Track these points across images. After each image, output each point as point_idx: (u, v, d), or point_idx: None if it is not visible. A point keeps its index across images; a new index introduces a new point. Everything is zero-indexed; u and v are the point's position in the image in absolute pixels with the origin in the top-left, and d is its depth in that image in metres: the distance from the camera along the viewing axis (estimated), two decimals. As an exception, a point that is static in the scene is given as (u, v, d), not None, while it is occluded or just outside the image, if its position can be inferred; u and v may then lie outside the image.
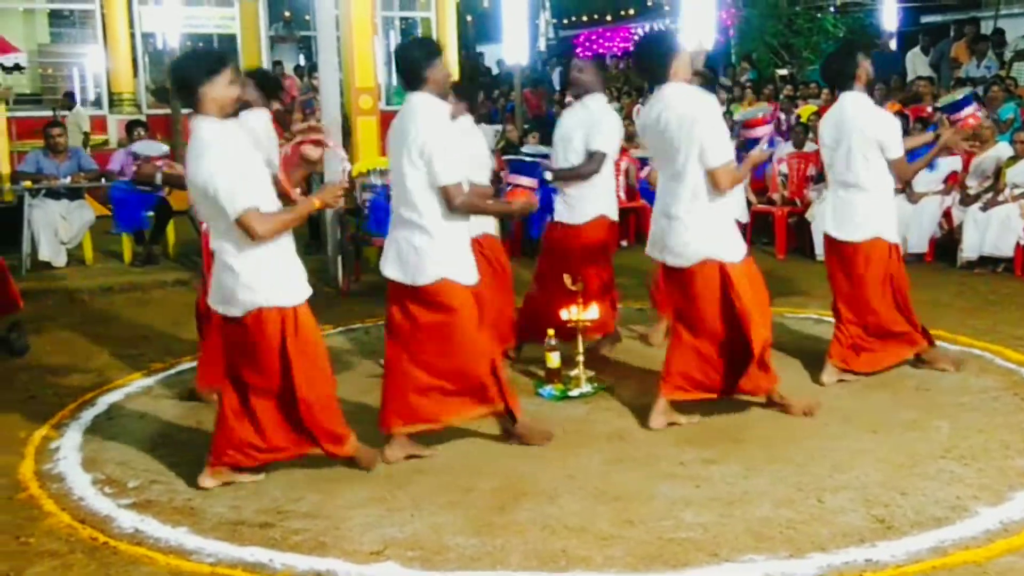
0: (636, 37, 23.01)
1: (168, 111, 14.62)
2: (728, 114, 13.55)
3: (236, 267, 4.07)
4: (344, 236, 8.79)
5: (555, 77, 21.03)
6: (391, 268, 4.51)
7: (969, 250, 8.57)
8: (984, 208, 8.55)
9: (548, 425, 4.96)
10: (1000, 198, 8.53)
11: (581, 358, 5.56)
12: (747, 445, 4.68)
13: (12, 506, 4.26)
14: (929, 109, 11.57)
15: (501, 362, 4.76)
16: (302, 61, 19.25)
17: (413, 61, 4.41)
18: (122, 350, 6.74)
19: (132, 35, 15.20)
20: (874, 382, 5.48)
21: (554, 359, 5.58)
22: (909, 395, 5.36)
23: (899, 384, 5.53)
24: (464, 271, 4.49)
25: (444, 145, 4.31)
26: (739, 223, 6.84)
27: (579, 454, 4.65)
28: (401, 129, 4.42)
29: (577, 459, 4.59)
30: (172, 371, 6.25)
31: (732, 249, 4.78)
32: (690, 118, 4.59)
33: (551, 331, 5.64)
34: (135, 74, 15.40)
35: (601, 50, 24.18)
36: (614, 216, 6.02)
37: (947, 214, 8.95)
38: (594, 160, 5.70)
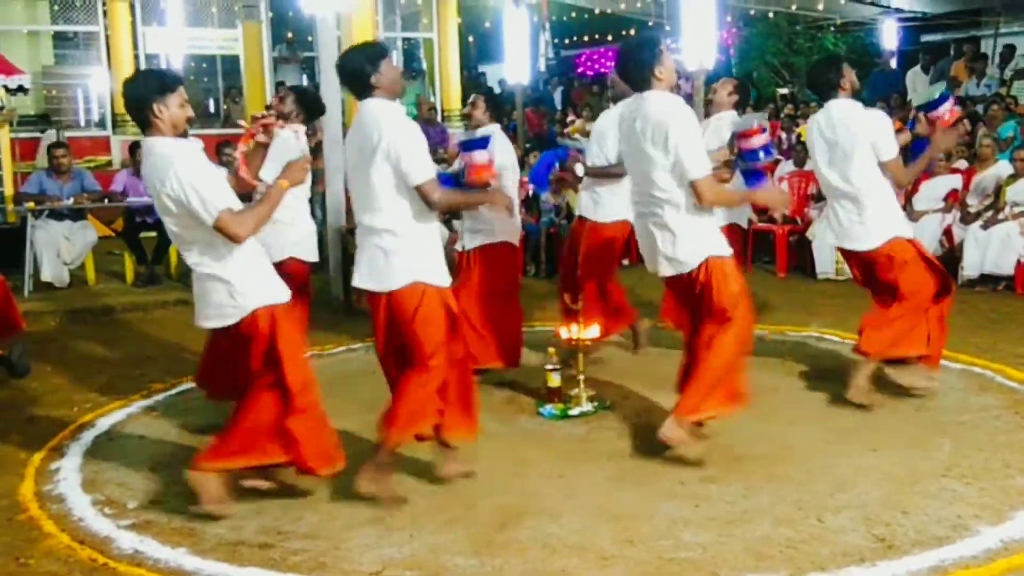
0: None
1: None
2: (729, 133, 13.61)
3: (224, 276, 4.07)
4: (346, 255, 8.80)
5: (556, 97, 21.10)
6: (363, 279, 4.38)
7: (970, 268, 8.58)
8: (985, 226, 8.56)
9: (547, 445, 4.96)
10: (1000, 216, 8.54)
11: (582, 377, 5.56)
12: (747, 464, 4.67)
13: (12, 527, 4.26)
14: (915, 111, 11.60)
15: (467, 380, 4.55)
16: (305, 82, 19.32)
17: (357, 68, 4.26)
18: (124, 371, 6.75)
19: (136, 57, 15.28)
20: (875, 400, 5.47)
21: (555, 378, 5.58)
22: (910, 413, 5.35)
23: (900, 402, 5.52)
24: (436, 273, 4.36)
25: (411, 145, 4.19)
26: (740, 230, 6.88)
27: (580, 473, 4.64)
28: (361, 137, 4.27)
29: (578, 478, 4.58)
30: (173, 391, 6.26)
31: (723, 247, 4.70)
32: (664, 128, 4.47)
33: (552, 351, 5.65)
34: (139, 95, 15.48)
35: (603, 70, 24.26)
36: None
37: (948, 232, 8.96)
38: None
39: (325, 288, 8.77)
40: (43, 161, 12.46)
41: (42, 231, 9.44)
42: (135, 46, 15.22)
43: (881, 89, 14.68)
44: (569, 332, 5.59)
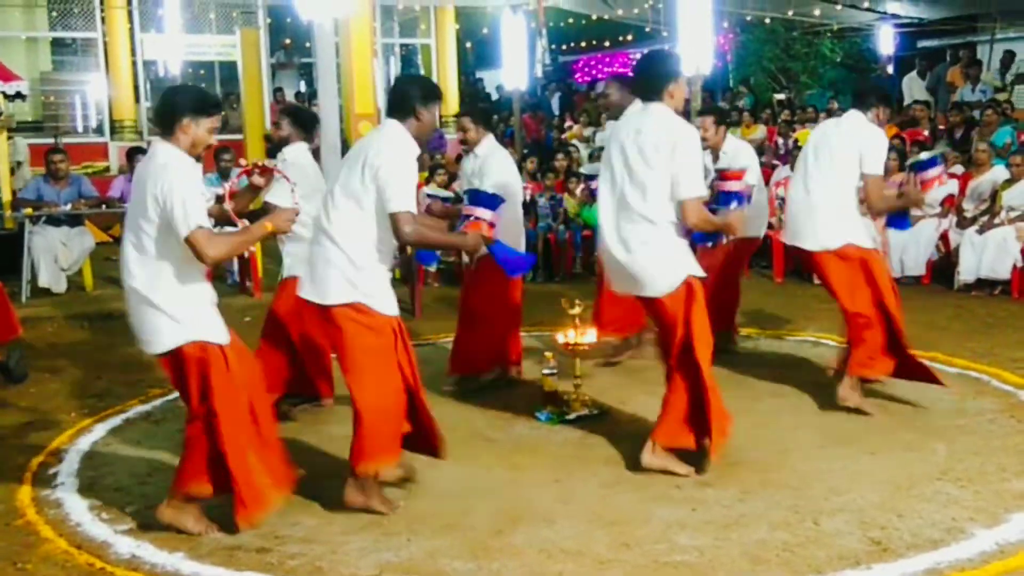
0: (634, 62, 23.18)
1: (169, 138, 14.75)
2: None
3: (160, 303, 4.00)
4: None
5: (554, 102, 21.14)
6: (307, 288, 4.32)
7: (966, 273, 8.60)
8: (981, 231, 8.58)
9: (543, 450, 4.98)
10: (996, 221, 8.56)
11: (579, 382, 5.57)
12: (742, 468, 4.68)
13: (9, 532, 4.26)
14: (925, 133, 11.65)
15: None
16: (303, 88, 19.37)
17: (408, 95, 4.31)
18: (121, 376, 6.75)
19: (134, 63, 15.33)
20: (871, 404, 5.48)
21: (551, 383, 5.60)
22: (906, 417, 5.36)
23: (896, 406, 5.53)
24: (381, 300, 4.26)
25: (402, 174, 4.16)
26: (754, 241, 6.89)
27: (576, 477, 4.65)
28: (363, 148, 4.27)
29: (573, 482, 4.59)
30: (170, 397, 6.25)
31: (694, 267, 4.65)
32: (670, 144, 4.42)
33: (549, 355, 5.67)
34: (136, 101, 15.51)
35: (600, 76, 24.31)
36: None
37: (944, 237, 8.99)
38: None
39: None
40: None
41: (39, 237, 9.46)
42: (133, 52, 15.27)
43: (878, 94, 14.72)
44: (566, 337, 5.60)
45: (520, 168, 12.27)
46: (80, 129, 15.75)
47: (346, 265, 4.17)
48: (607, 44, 21.33)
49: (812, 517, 4.11)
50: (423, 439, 4.50)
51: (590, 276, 9.01)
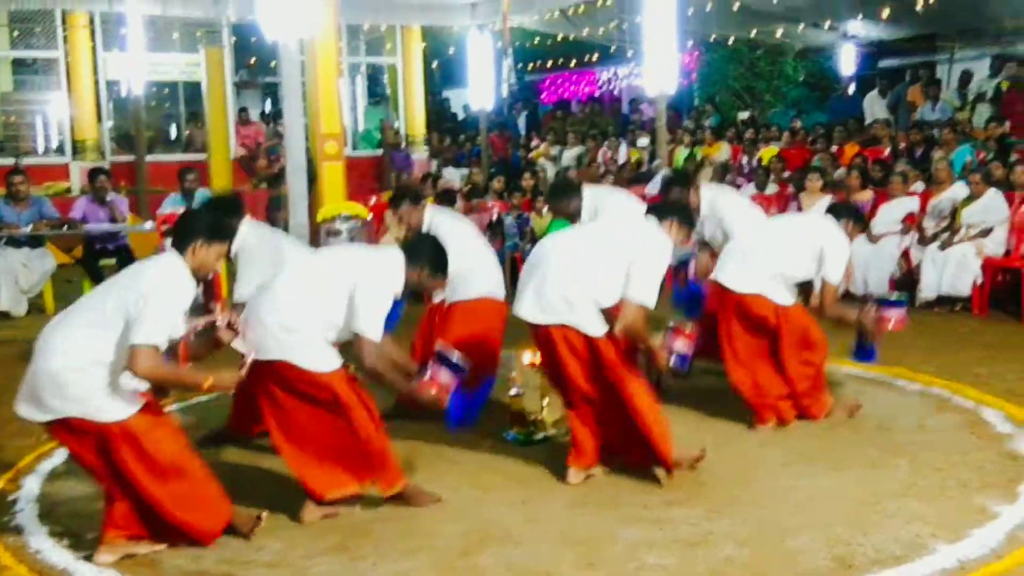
0: (599, 81, 23.33)
1: (131, 158, 14.63)
2: (692, 156, 13.76)
3: (70, 378, 3.94)
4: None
5: (520, 121, 21.22)
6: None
7: (927, 289, 8.70)
8: (941, 248, 8.69)
9: (510, 470, 4.97)
10: (956, 238, 8.67)
11: (546, 402, 5.57)
12: (709, 487, 4.70)
13: (-33, 560, 4.19)
14: (886, 152, 11.80)
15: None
16: (269, 107, 19.31)
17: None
18: (83, 399, 6.65)
19: (96, 82, 15.20)
20: (834, 422, 5.53)
21: (518, 403, 5.59)
22: (869, 434, 5.41)
23: (859, 423, 5.58)
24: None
25: (383, 297, 4.32)
26: None
27: (543, 497, 4.65)
28: (351, 257, 4.51)
29: (541, 502, 4.59)
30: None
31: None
32: (650, 251, 4.69)
33: (515, 375, 5.66)
34: (99, 121, 15.38)
35: (566, 95, 24.45)
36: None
37: (906, 254, 9.09)
38: None
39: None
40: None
41: None
42: (95, 72, 15.14)
43: (840, 113, 14.91)
44: (532, 356, 5.60)
45: (487, 187, 12.34)
46: (41, 150, 15.59)
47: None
48: (573, 63, 21.43)
49: (778, 534, 4.13)
50: None
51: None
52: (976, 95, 13.61)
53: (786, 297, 5.51)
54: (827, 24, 15.51)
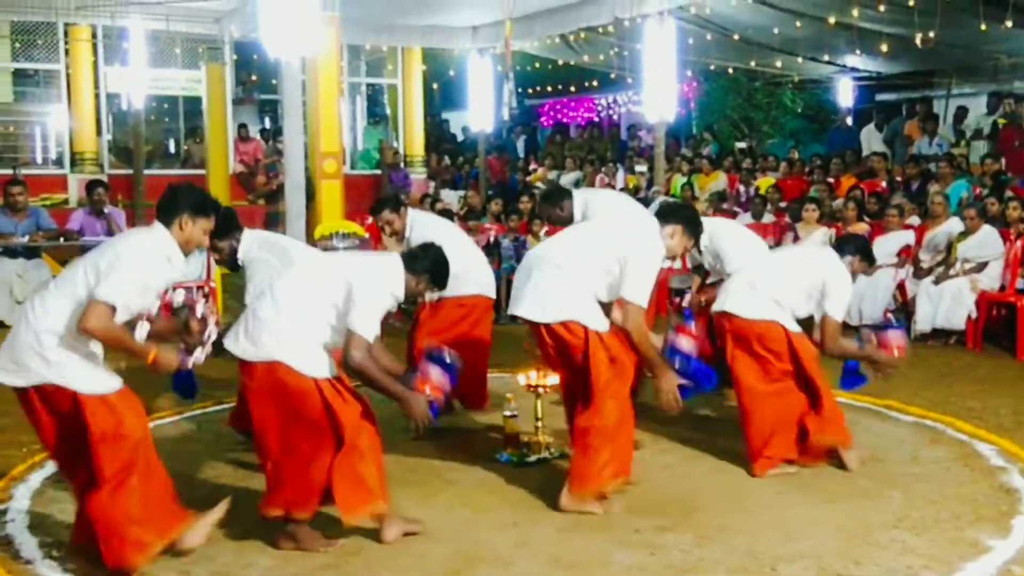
0: (598, 107, 23.44)
1: (130, 171, 14.64)
2: (688, 185, 13.82)
3: (47, 341, 3.91)
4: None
5: (519, 145, 21.29)
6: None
7: (922, 322, 8.72)
8: (936, 282, 8.72)
9: (503, 492, 4.96)
10: (952, 272, 8.71)
11: (540, 424, 5.56)
12: (701, 513, 4.69)
13: (-45, 570, 4.16)
14: (883, 184, 11.87)
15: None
16: (268, 124, 19.36)
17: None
18: (75, 411, 6.63)
19: (97, 95, 15.22)
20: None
21: (512, 425, 5.58)
22: (862, 465, 5.40)
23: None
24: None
25: (380, 300, 4.26)
26: None
27: (535, 520, 4.63)
28: (352, 260, 4.53)
29: (532, 525, 4.57)
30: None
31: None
32: (636, 252, 4.72)
33: (510, 396, 5.66)
34: (98, 134, 15.40)
35: (565, 120, 24.56)
36: None
37: (901, 287, 9.12)
38: None
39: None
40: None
41: (-5, 268, 9.32)
42: (96, 85, 15.16)
43: (837, 145, 15.00)
44: (528, 378, 5.60)
45: (483, 210, 12.37)
46: (40, 161, 15.59)
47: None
48: (572, 89, 21.55)
49: (770, 563, 4.12)
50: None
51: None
52: (973, 131, 13.70)
53: (791, 322, 5.35)
54: (825, 57, 15.62)
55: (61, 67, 15.14)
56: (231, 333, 4.31)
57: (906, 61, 14.90)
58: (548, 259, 4.82)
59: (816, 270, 5.34)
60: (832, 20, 12.16)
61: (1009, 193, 9.82)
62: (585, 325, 4.67)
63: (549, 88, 21.96)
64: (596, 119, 23.52)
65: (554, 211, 6.01)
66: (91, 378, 3.96)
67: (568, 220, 5.94)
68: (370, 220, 11.76)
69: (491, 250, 10.49)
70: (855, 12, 11.93)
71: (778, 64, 15.52)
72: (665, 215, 5.03)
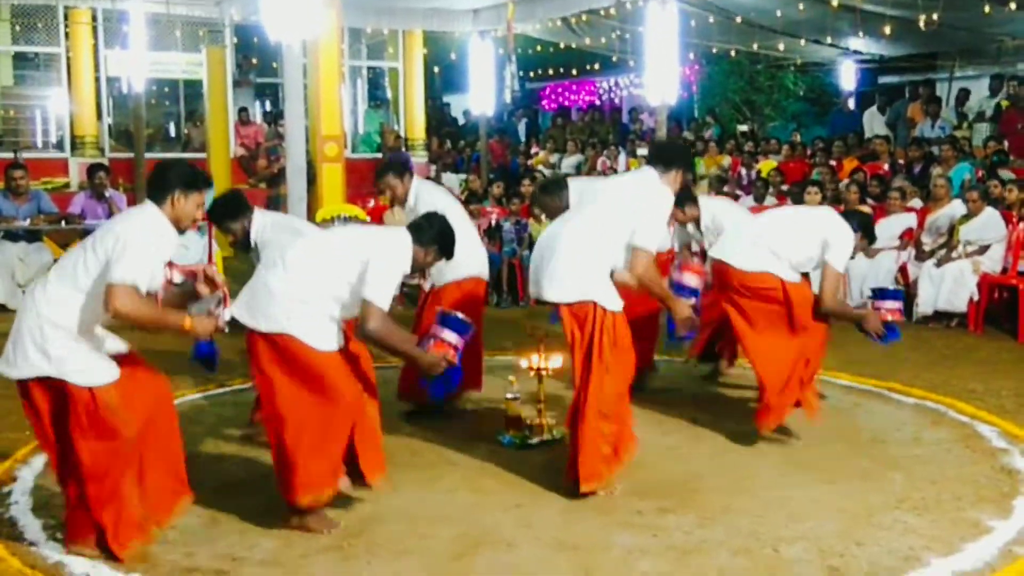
0: (600, 90, 23.38)
1: (130, 155, 14.61)
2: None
3: (50, 334, 3.90)
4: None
5: (520, 128, 21.25)
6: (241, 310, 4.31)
7: (924, 305, 8.73)
8: (938, 264, 8.72)
9: (505, 474, 4.97)
10: (954, 255, 8.71)
11: (543, 406, 5.57)
12: (702, 495, 4.70)
13: (-40, 551, 4.18)
14: (885, 167, 11.84)
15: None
16: (261, 107, 19.33)
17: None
18: (78, 394, 6.64)
19: (97, 79, 15.17)
20: (829, 434, 5.53)
21: (515, 407, 5.59)
22: (864, 446, 5.42)
23: (854, 435, 5.59)
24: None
25: (393, 272, 4.28)
26: None
27: (537, 503, 4.64)
28: (362, 234, 4.52)
29: (535, 508, 4.58)
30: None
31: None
32: (642, 200, 4.82)
33: (512, 379, 5.66)
34: (99, 117, 15.36)
35: (567, 103, 24.50)
36: None
37: (903, 269, 9.12)
38: None
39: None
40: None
41: (-4, 252, 9.33)
42: (96, 68, 15.11)
43: (839, 128, 14.96)
44: (530, 361, 5.61)
45: (485, 194, 12.35)
46: (40, 144, 15.55)
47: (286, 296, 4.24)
48: (574, 72, 21.48)
49: (772, 544, 4.13)
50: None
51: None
52: (976, 114, 13.66)
53: (791, 274, 5.42)
54: (828, 39, 15.56)
55: (61, 50, 15.08)
56: (239, 301, 4.30)
57: (909, 43, 14.85)
58: (563, 240, 4.80)
59: (820, 226, 5.42)
60: (835, 2, 12.10)
61: (1010, 175, 9.80)
62: (600, 305, 4.66)
63: (550, 71, 21.89)
64: (598, 102, 23.45)
65: (552, 202, 5.97)
66: (90, 370, 3.94)
67: (566, 210, 5.92)
68: (371, 203, 11.80)
69: (492, 233, 10.50)
70: (858, -6, 11.90)
71: (780, 47, 15.46)
72: (667, 161, 5.04)
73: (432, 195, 5.94)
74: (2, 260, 9.36)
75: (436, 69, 20.24)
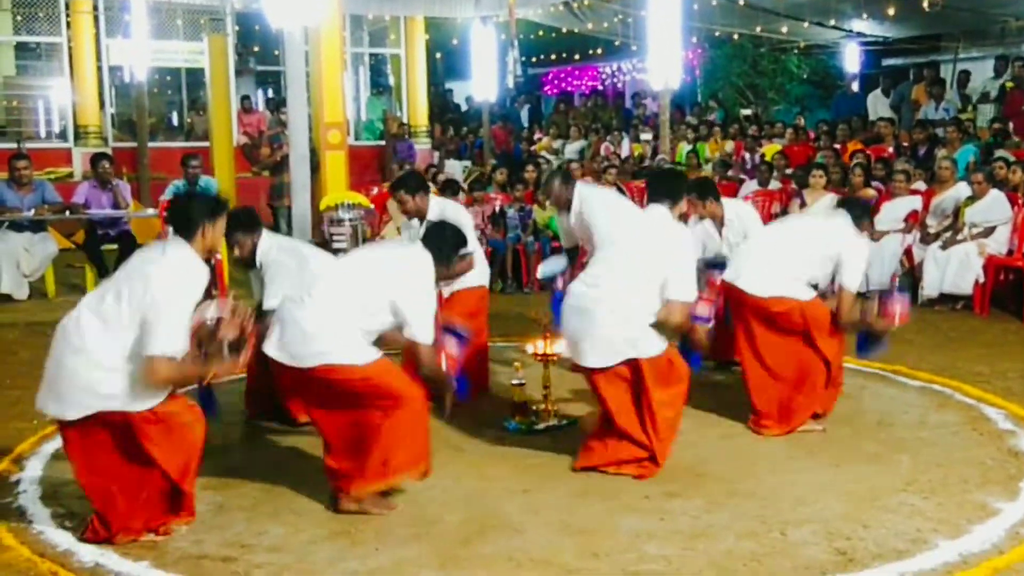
0: (603, 75, 23.32)
1: (133, 144, 14.62)
2: (694, 152, 13.77)
3: (98, 377, 3.96)
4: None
5: (523, 114, 21.20)
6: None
7: (929, 288, 8.71)
8: (944, 247, 8.70)
9: (512, 460, 4.99)
10: (959, 237, 8.68)
11: (547, 392, 5.57)
12: (709, 479, 4.71)
13: (-31, 540, 4.19)
14: (890, 150, 11.80)
15: None
16: (262, 94, 19.30)
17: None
18: (84, 383, 6.65)
19: (99, 68, 15.16)
20: (836, 417, 5.53)
21: (520, 393, 5.59)
22: (870, 429, 5.42)
23: (860, 419, 5.59)
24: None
25: (428, 303, 4.38)
26: None
27: (544, 487, 4.65)
28: (384, 262, 4.51)
29: (542, 492, 4.59)
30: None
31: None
32: (668, 251, 4.82)
33: (518, 365, 5.67)
34: (101, 107, 15.36)
35: (569, 88, 24.45)
36: None
37: (908, 252, 9.10)
38: None
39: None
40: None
41: (1, 243, 9.33)
42: (98, 58, 15.11)
43: (843, 111, 14.91)
44: (535, 347, 5.61)
45: (488, 180, 12.34)
46: (43, 134, 15.56)
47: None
48: (577, 57, 21.44)
49: (779, 527, 4.14)
50: None
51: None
52: (980, 95, 13.61)
53: (807, 293, 5.40)
54: (831, 22, 15.50)
55: (63, 40, 15.07)
56: (271, 339, 4.34)
57: (913, 25, 14.80)
58: (603, 306, 4.73)
59: (831, 240, 5.37)
60: (838, -16, 12.06)
61: (1012, 157, 9.76)
62: (643, 358, 4.70)
63: (553, 56, 21.85)
64: (600, 87, 23.40)
65: (562, 192, 5.80)
66: (139, 397, 3.99)
67: (568, 205, 5.82)
68: (375, 191, 11.79)
69: (497, 220, 10.49)
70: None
71: (784, 30, 15.42)
72: (673, 195, 5.05)
73: (453, 216, 5.89)
74: (7, 251, 9.35)
75: (438, 55, 20.22)
